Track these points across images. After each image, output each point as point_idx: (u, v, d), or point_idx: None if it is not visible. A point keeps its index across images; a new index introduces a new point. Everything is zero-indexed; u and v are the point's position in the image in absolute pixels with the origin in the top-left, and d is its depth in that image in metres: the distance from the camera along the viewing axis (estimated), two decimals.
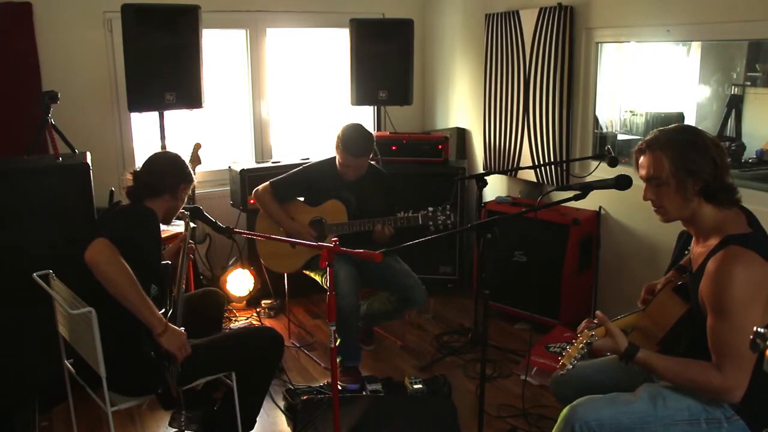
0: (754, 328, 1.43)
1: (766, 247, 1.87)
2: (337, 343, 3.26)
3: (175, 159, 2.64)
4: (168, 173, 2.55)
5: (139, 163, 2.64)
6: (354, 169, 3.39)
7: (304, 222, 3.47)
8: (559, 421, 1.96)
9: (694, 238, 2.04)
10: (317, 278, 3.49)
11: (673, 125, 2.00)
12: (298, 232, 3.41)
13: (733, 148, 3.39)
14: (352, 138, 3.34)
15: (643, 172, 1.97)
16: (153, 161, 2.60)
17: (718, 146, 1.89)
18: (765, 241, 1.90)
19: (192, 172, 2.67)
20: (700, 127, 2.05)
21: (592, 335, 1.93)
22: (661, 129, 1.97)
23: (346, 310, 3.19)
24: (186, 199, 2.67)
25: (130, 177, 2.54)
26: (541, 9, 3.96)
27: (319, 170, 3.51)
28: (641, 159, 1.97)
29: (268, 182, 3.52)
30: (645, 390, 1.97)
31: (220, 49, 4.53)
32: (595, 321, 2.02)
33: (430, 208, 3.26)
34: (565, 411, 1.95)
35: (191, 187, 2.67)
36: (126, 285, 2.20)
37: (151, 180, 2.52)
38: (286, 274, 3.75)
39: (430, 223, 3.25)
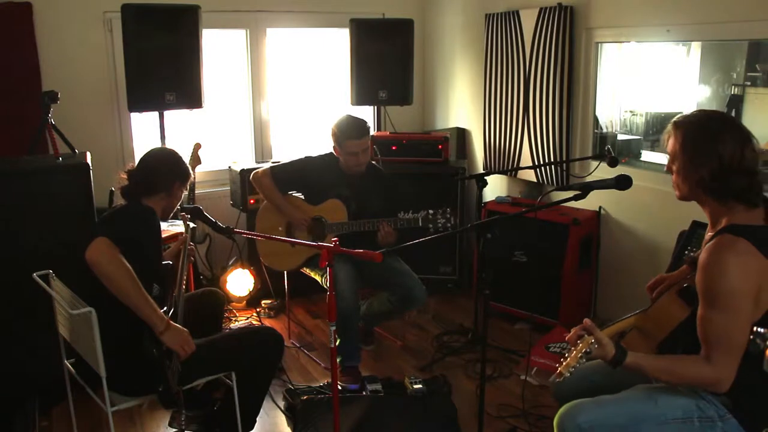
0: (754, 328, 1.43)
1: (764, 239, 1.84)
2: (337, 343, 3.26)
3: (170, 155, 2.61)
4: (162, 171, 2.53)
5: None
6: (363, 154, 3.39)
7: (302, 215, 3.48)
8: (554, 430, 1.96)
9: (708, 226, 2.02)
10: (317, 278, 3.49)
11: (711, 110, 1.98)
12: (297, 219, 3.43)
13: None
14: (349, 124, 3.37)
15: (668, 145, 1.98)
16: (148, 158, 2.58)
17: (739, 145, 1.81)
18: (766, 234, 1.87)
19: (190, 169, 2.64)
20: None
21: (592, 343, 1.91)
22: (700, 110, 1.96)
23: (346, 310, 3.19)
24: (182, 196, 2.64)
25: (124, 176, 2.52)
26: (541, 9, 3.96)
27: (319, 164, 3.51)
28: (669, 132, 1.96)
29: (267, 167, 3.52)
30: (638, 389, 1.97)
31: (220, 49, 4.53)
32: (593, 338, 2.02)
33: (431, 211, 3.26)
34: (556, 419, 1.94)
35: (188, 184, 2.64)
36: (127, 283, 2.20)
37: (145, 178, 2.49)
38: (286, 274, 3.75)
39: (430, 225, 3.25)
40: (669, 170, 1.98)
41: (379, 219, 3.29)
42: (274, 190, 3.47)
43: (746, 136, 1.84)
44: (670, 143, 1.94)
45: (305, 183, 3.52)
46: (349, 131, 3.35)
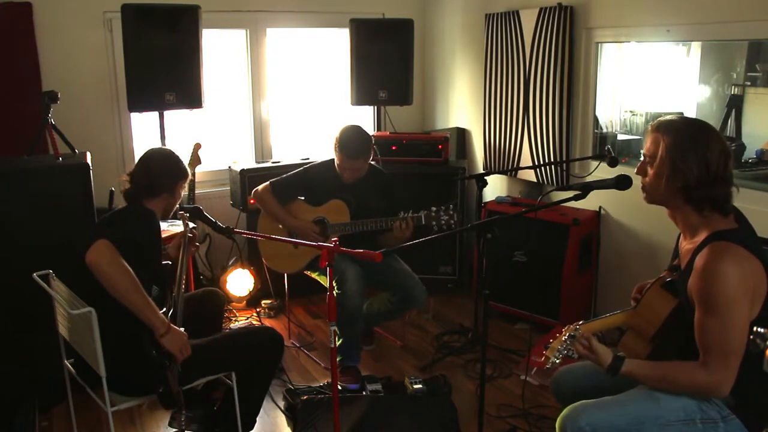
0: (754, 328, 1.43)
1: (752, 240, 1.89)
2: (339, 343, 3.26)
3: (170, 156, 2.62)
4: (164, 172, 2.54)
5: None
6: (351, 172, 3.37)
7: (307, 221, 3.47)
8: None
9: (681, 235, 2.05)
10: (320, 280, 3.49)
11: (693, 117, 2.01)
12: (301, 229, 3.41)
13: (733, 148, 3.39)
14: (349, 139, 3.32)
15: (644, 147, 2.00)
16: (148, 160, 2.58)
17: (723, 155, 1.86)
18: (751, 235, 1.92)
19: (187, 166, 2.65)
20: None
21: (576, 328, 1.94)
22: (681, 117, 1.99)
23: (352, 308, 3.19)
24: (183, 195, 2.66)
25: (126, 179, 2.53)
26: (541, 9, 3.96)
27: (319, 171, 3.50)
28: (649, 135, 1.99)
29: (267, 182, 3.52)
30: (640, 390, 1.98)
31: (220, 49, 4.53)
32: (579, 323, 2.04)
33: (433, 208, 3.24)
34: (558, 422, 1.95)
35: (187, 182, 2.66)
36: (128, 286, 2.20)
37: (148, 180, 2.50)
38: (286, 274, 3.75)
39: (434, 222, 3.23)
40: (642, 172, 2.00)
41: (380, 218, 3.28)
42: (276, 206, 3.47)
43: (728, 148, 1.90)
44: (651, 146, 1.95)
45: (306, 190, 3.51)
46: (346, 148, 3.30)
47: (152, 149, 2.68)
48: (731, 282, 1.77)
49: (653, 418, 1.89)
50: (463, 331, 3.94)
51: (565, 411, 1.95)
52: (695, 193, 1.87)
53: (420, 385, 3.16)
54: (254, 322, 4.08)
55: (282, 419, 3.06)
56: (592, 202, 3.51)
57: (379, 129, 4.72)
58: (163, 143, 3.85)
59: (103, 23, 4.06)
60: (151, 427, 2.99)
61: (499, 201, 4.13)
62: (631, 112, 4.02)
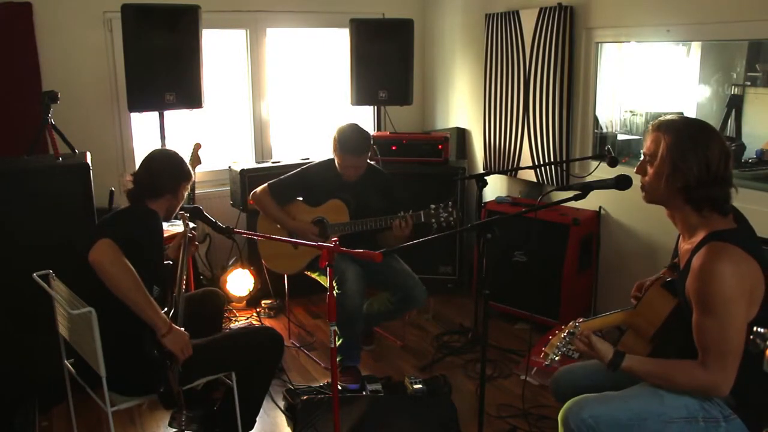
0: (754, 328, 1.44)
1: (750, 241, 1.88)
2: (339, 343, 3.26)
3: (174, 157, 2.62)
4: (168, 173, 2.54)
5: (138, 163, 2.64)
6: (354, 169, 3.38)
7: (306, 222, 3.47)
8: (559, 427, 1.96)
9: (680, 235, 2.04)
10: (320, 280, 3.49)
11: (693, 118, 2.00)
12: (301, 231, 3.41)
13: (733, 148, 3.39)
14: (350, 137, 3.33)
15: (645, 146, 2.01)
16: (152, 161, 2.58)
17: (723, 155, 1.86)
18: (749, 236, 1.92)
19: (191, 169, 2.66)
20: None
21: (576, 326, 1.95)
22: (682, 116, 1.99)
23: (352, 308, 3.19)
24: (186, 196, 2.66)
25: (129, 179, 2.53)
26: (541, 9, 3.96)
27: (318, 172, 3.50)
28: (650, 134, 1.99)
29: (265, 184, 3.52)
30: (643, 387, 1.98)
31: (220, 49, 4.53)
32: (579, 320, 2.04)
33: (432, 206, 3.24)
34: (560, 414, 1.95)
35: (190, 183, 2.67)
36: (130, 285, 2.20)
37: (151, 181, 2.51)
38: (285, 274, 3.75)
39: (433, 220, 3.22)
40: (641, 171, 2.00)
41: (381, 217, 3.28)
42: (275, 208, 3.47)
43: (728, 148, 1.91)
44: (652, 146, 1.95)
45: (305, 190, 3.51)
46: (348, 146, 3.32)
47: (156, 150, 2.69)
48: (728, 282, 1.77)
49: (656, 414, 1.90)
50: (463, 331, 3.94)
51: (567, 404, 1.95)
52: (695, 193, 1.87)
53: (420, 385, 3.16)
54: (254, 322, 4.08)
55: (282, 419, 3.06)
56: (592, 202, 3.51)
57: (379, 129, 4.72)
58: (163, 143, 3.85)
59: (103, 23, 4.06)
60: (151, 427, 2.99)
61: (499, 201, 4.13)
62: (631, 112, 4.02)
